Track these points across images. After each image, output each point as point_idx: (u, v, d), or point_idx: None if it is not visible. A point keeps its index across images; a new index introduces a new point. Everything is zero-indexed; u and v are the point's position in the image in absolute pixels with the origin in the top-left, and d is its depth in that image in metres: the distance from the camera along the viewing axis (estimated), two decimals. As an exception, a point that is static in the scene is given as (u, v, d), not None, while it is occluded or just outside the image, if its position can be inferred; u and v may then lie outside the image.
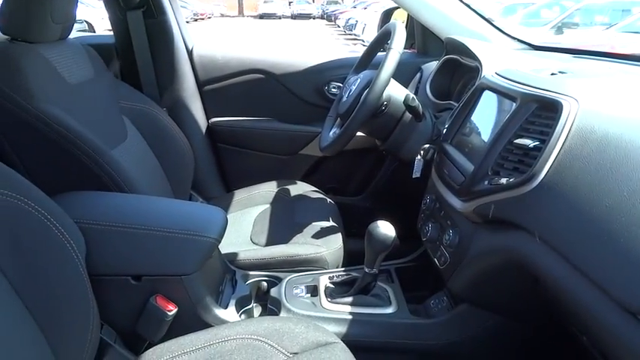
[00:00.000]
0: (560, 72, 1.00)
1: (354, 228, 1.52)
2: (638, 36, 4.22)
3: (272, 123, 1.85)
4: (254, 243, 1.40)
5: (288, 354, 0.88)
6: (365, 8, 19.69)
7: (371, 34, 12.39)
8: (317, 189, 1.70)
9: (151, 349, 0.91)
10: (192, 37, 1.82)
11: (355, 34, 14.39)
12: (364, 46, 11.50)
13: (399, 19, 1.67)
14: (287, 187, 1.70)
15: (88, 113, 1.22)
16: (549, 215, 0.75)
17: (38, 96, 1.09)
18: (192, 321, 1.04)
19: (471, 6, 1.63)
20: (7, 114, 1.07)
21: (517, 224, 0.83)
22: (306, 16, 29.56)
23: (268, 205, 1.60)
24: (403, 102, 1.28)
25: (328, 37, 16.74)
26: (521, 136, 0.86)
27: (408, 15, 1.81)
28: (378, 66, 1.24)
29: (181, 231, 1.02)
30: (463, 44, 1.36)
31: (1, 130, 1.10)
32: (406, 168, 1.40)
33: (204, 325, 1.04)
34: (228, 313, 1.10)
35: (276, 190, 1.67)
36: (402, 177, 1.53)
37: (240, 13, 35.27)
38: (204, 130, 1.83)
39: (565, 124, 0.78)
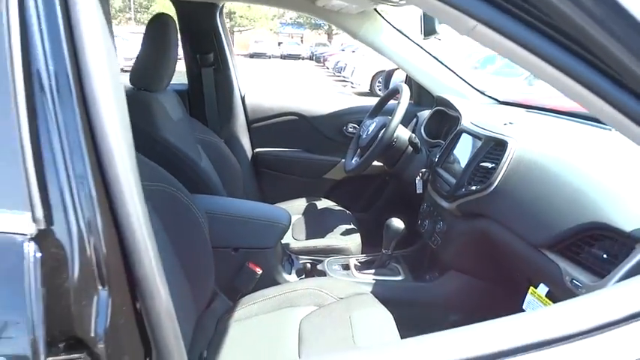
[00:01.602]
0: (510, 122, 1.58)
1: (363, 234, 2.04)
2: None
3: (302, 153, 2.41)
4: (295, 239, 1.92)
5: (337, 298, 1.40)
6: (353, 51, 20.46)
7: (359, 77, 13.13)
8: (337, 204, 2.24)
9: (244, 297, 1.42)
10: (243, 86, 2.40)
11: (344, 77, 14.99)
12: (353, 87, 12.09)
13: (403, 83, 2.25)
14: (314, 202, 2.24)
15: (185, 140, 1.75)
16: (499, 206, 1.32)
17: (160, 128, 1.61)
18: (270, 280, 1.56)
19: (455, 70, 2.23)
20: (141, 138, 1.59)
21: (482, 214, 1.39)
22: (295, 57, 30.38)
23: (301, 215, 2.13)
24: (407, 139, 1.86)
25: (318, 78, 17.48)
26: (483, 161, 1.44)
27: (406, 76, 2.41)
28: (388, 112, 1.81)
29: (265, 219, 1.55)
30: (449, 101, 1.95)
31: (138, 151, 1.62)
32: (403, 189, 1.97)
33: (277, 284, 1.55)
34: (291, 277, 1.62)
35: (306, 205, 2.21)
36: (400, 195, 2.09)
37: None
38: (250, 157, 2.39)
39: (509, 154, 1.35)
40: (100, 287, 0.57)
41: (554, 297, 1.06)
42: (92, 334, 0.55)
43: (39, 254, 0.52)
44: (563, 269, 1.01)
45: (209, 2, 2.12)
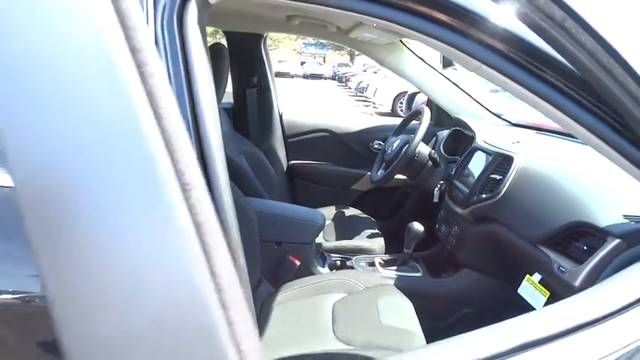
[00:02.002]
0: (517, 141, 1.83)
1: (386, 239, 2.28)
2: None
3: (332, 166, 2.68)
4: (326, 240, 2.18)
5: (364, 287, 1.64)
6: (375, 72, 20.84)
7: (381, 98, 13.45)
8: (362, 212, 2.50)
9: (285, 285, 1.68)
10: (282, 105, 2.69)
11: (366, 97, 15.34)
12: (375, 107, 12.34)
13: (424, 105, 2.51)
14: (342, 210, 2.50)
15: (234, 151, 2.03)
16: (505, 211, 1.56)
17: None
18: (307, 272, 1.82)
19: (471, 94, 2.48)
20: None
21: (491, 218, 1.64)
22: (318, 77, 30.88)
23: (331, 221, 2.39)
24: (428, 154, 2.12)
25: (340, 97, 17.84)
26: (493, 174, 1.68)
27: (427, 100, 2.68)
28: (410, 131, 2.07)
29: (304, 219, 1.81)
30: (465, 122, 2.21)
31: None
32: (423, 198, 2.21)
33: (312, 275, 1.81)
34: (324, 270, 1.88)
35: (335, 212, 2.47)
36: (420, 204, 2.33)
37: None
38: (285, 168, 2.67)
39: (514, 167, 1.60)
40: None
41: (545, 282, 1.30)
42: None
43: None
44: (553, 259, 1.25)
45: (255, 33, 2.43)
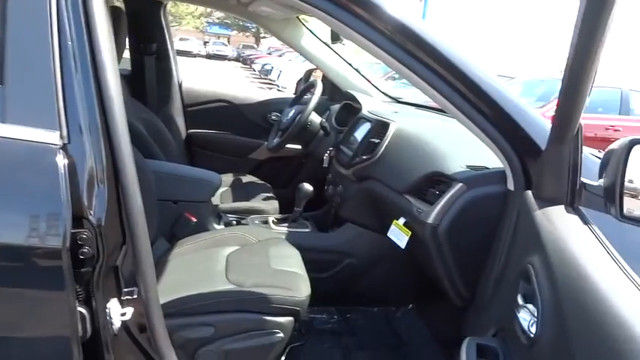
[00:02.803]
0: (396, 112, 2.07)
1: (281, 205, 2.44)
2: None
3: (230, 136, 2.78)
4: (222, 203, 2.29)
5: (257, 240, 1.79)
6: (280, 56, 20.92)
7: (285, 81, 13.55)
8: (258, 179, 2.63)
9: (180, 240, 1.77)
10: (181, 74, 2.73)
11: (270, 79, 15.35)
12: (279, 90, 12.45)
13: (318, 78, 2.69)
14: (240, 177, 2.61)
15: (131, 115, 2.06)
16: (381, 169, 1.79)
17: None
18: (203, 229, 1.92)
19: (361, 72, 2.71)
20: None
21: (370, 176, 1.86)
22: (222, 57, 30.26)
23: (229, 187, 2.50)
24: (319, 123, 2.30)
25: (245, 79, 17.69)
26: (373, 137, 1.91)
27: (322, 75, 2.87)
28: (305, 103, 2.25)
29: (200, 178, 1.91)
30: (354, 96, 2.42)
31: None
32: (315, 164, 2.41)
33: (208, 231, 1.91)
34: (221, 227, 1.99)
35: (233, 179, 2.58)
36: (312, 169, 2.53)
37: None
38: (184, 136, 2.72)
39: (390, 131, 1.83)
40: (100, 185, 0.93)
41: (408, 224, 1.54)
42: (94, 216, 0.90)
43: (65, 160, 0.87)
44: (413, 204, 1.49)
45: (154, 0, 2.44)
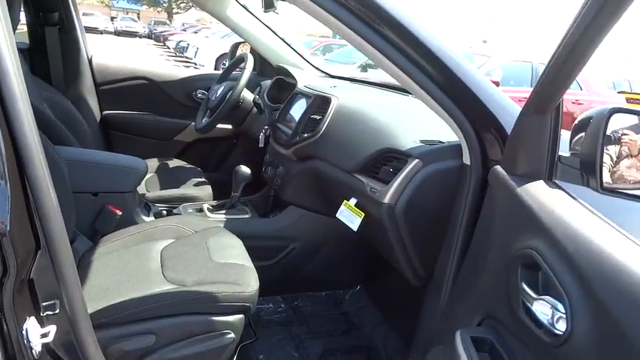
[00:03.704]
0: (334, 86, 1.96)
1: (214, 191, 2.26)
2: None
3: (152, 116, 2.53)
4: (149, 191, 2.07)
5: (193, 231, 1.62)
6: (196, 32, 20.06)
7: (203, 58, 13.01)
8: (187, 164, 2.43)
9: (104, 237, 1.57)
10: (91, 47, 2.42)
11: (187, 57, 14.66)
12: (197, 68, 11.97)
13: (247, 50, 2.51)
14: (166, 162, 2.39)
15: (32, 96, 1.78)
16: (325, 147, 1.68)
17: None
18: (131, 222, 1.71)
19: (292, 46, 2.55)
20: None
21: (312, 155, 1.74)
22: (132, 34, 28.47)
23: (154, 173, 2.28)
24: (253, 100, 2.14)
25: (159, 57, 16.78)
26: (313, 114, 1.78)
27: (250, 48, 2.68)
28: (234, 79, 2.07)
29: (123, 166, 1.69)
30: (287, 70, 2.27)
31: None
32: (249, 145, 2.25)
33: (136, 224, 1.71)
34: (150, 219, 1.79)
35: (158, 164, 2.36)
36: (247, 151, 2.37)
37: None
38: (98, 118, 2.43)
39: (332, 107, 1.72)
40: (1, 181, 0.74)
41: (361, 205, 1.45)
42: None
43: None
44: (366, 183, 1.39)
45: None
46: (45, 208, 0.77)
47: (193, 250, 1.48)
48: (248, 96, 2.17)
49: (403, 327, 1.80)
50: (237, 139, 2.63)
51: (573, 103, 6.80)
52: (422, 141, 1.34)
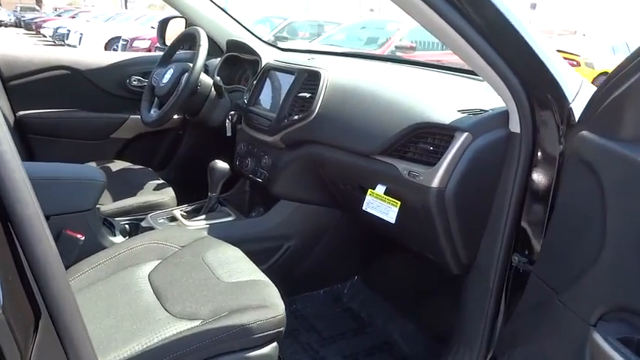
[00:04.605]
0: (312, 58, 1.72)
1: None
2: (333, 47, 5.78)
3: (80, 113, 2.11)
4: (101, 204, 1.71)
5: (179, 247, 1.33)
6: (73, 17, 18.37)
7: (90, 45, 11.85)
8: (133, 164, 2.06)
9: (70, 269, 1.23)
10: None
11: (70, 45, 13.33)
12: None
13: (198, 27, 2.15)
14: (107, 165, 2.01)
15: None
16: (324, 129, 1.45)
17: None
18: (96, 246, 1.37)
19: (238, 20, 2.24)
20: None
21: (308, 140, 1.50)
22: (-6, 24, 25.36)
23: None
24: (213, 83, 1.83)
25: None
26: (301, 92, 1.54)
27: (186, 24, 2.33)
28: (179, 60, 1.75)
29: (79, 178, 1.34)
30: (246, 44, 1.98)
31: None
32: (211, 135, 1.95)
33: (103, 249, 1.38)
34: (118, 239, 1.46)
35: (99, 168, 1.97)
36: (208, 142, 2.07)
37: None
38: (12, 122, 1.97)
39: (324, 82, 1.48)
40: None
41: (394, 192, 1.25)
42: None
43: None
44: (400, 167, 1.20)
45: None
46: (40, 255, 0.56)
47: (192, 270, 1.20)
48: (206, 79, 1.85)
49: (423, 318, 1.66)
50: (185, 129, 2.30)
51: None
52: (460, 111, 1.17)
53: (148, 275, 1.20)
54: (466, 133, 1.10)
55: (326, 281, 1.85)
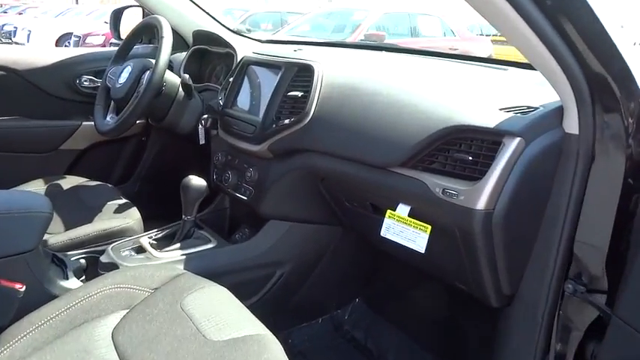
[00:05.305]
0: (299, 49, 1.45)
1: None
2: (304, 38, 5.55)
3: (21, 121, 1.78)
4: (50, 234, 1.40)
5: (150, 290, 1.06)
6: (20, 13, 17.36)
7: (40, 41, 11.18)
8: (89, 179, 1.75)
9: (8, 331, 0.94)
10: None
11: (18, 42, 12.61)
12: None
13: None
14: (56, 182, 1.69)
15: None
16: (322, 136, 1.19)
17: None
18: (42, 296, 1.08)
19: (208, 12, 1.95)
20: None
21: (302, 148, 1.24)
22: None
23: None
24: (180, 82, 1.54)
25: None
26: (291, 90, 1.27)
27: (144, 14, 2.01)
28: (137, 56, 1.46)
29: (13, 211, 1.04)
30: (217, 35, 1.69)
31: None
32: (179, 143, 1.66)
33: (53, 298, 1.08)
34: (71, 283, 1.16)
35: (45, 187, 1.65)
36: (177, 151, 1.77)
37: None
38: None
39: (318, 78, 1.22)
40: None
41: (418, 214, 1.00)
42: None
43: None
44: (430, 182, 0.95)
45: None
46: None
47: (169, 325, 0.94)
48: (171, 77, 1.56)
49: (440, 348, 1.43)
50: (148, 135, 1.99)
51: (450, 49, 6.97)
52: (503, 109, 0.94)
53: (112, 333, 0.93)
54: (518, 139, 0.86)
55: (324, 308, 1.60)
